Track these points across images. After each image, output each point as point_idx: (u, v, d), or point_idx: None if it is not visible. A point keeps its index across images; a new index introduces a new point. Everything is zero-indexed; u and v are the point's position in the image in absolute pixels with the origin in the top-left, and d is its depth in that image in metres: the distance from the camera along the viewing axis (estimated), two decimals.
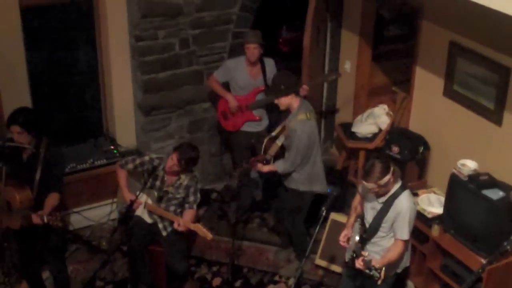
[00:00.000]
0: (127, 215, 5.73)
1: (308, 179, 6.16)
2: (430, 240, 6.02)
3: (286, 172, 6.14)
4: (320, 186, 6.28)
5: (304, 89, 6.64)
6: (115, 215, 7.03)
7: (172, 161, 5.79)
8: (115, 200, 6.88)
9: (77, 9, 6.88)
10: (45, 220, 5.31)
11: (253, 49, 6.67)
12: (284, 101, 6.01)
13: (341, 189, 6.85)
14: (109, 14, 6.81)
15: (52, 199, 5.47)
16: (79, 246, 6.79)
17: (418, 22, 6.61)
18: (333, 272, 6.45)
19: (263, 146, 6.27)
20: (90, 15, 6.91)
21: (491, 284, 5.48)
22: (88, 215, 6.99)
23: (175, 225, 5.81)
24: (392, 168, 4.98)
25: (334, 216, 6.59)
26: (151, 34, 6.81)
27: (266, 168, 6.21)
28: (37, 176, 5.50)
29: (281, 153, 6.16)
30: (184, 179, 5.92)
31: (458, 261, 5.77)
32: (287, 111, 6.12)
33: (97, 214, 7.05)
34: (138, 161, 5.98)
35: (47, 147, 5.58)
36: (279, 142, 6.13)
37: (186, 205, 5.98)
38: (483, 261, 5.48)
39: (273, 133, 6.31)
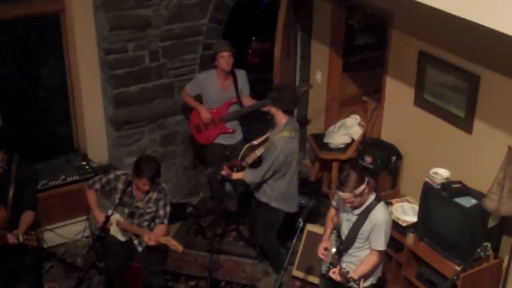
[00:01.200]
0: (101, 236, 5.80)
1: (281, 197, 6.29)
2: (405, 248, 6.18)
3: (252, 182, 6.25)
4: (291, 206, 6.42)
5: None
6: (88, 232, 7.09)
7: (144, 185, 5.84)
8: (88, 216, 6.94)
9: (44, 22, 6.92)
10: (21, 239, 5.36)
11: (228, 58, 6.81)
12: (271, 110, 6.14)
13: (316, 201, 7.01)
14: (76, 27, 6.89)
15: (27, 218, 5.53)
16: (54, 264, 6.82)
17: (388, 31, 6.78)
18: (311, 283, 6.59)
19: (242, 152, 6.38)
20: (57, 28, 6.97)
21: None
22: (61, 233, 7.05)
23: (145, 239, 5.91)
24: (367, 179, 5.14)
25: (310, 227, 6.76)
26: (120, 47, 6.90)
27: (234, 175, 6.29)
28: (10, 194, 5.56)
29: (258, 164, 6.28)
30: (153, 193, 6.02)
31: (433, 269, 5.93)
32: (272, 123, 6.26)
33: (71, 231, 7.12)
34: (104, 180, 6.08)
35: (18, 164, 5.63)
36: (258, 152, 6.24)
37: (157, 220, 6.08)
38: (458, 268, 5.65)
39: (255, 142, 6.42)
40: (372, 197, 5.26)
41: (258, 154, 6.25)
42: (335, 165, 7.48)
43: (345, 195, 5.12)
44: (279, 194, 6.27)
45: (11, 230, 5.45)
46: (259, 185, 6.31)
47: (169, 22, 7.05)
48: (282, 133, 6.08)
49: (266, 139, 6.32)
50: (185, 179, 7.82)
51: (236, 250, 7.21)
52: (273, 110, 6.12)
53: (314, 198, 7.13)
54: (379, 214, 5.23)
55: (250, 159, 6.29)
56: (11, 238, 5.42)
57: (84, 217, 7.11)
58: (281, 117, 6.12)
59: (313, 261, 6.28)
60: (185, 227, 7.51)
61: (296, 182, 6.39)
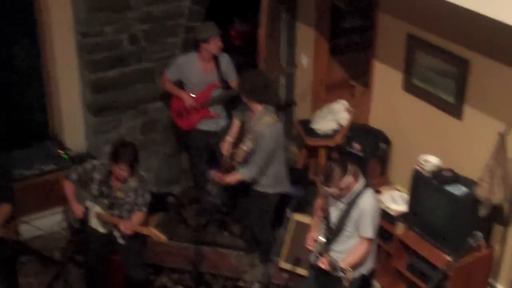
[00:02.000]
0: (81, 228, 5.76)
1: (275, 181, 6.28)
2: (394, 238, 6.19)
3: (253, 179, 6.20)
4: (285, 186, 6.43)
5: None
6: (66, 224, 7.03)
7: (121, 171, 5.77)
8: (66, 208, 6.87)
9: (17, 4, 6.82)
10: (0, 233, 5.30)
11: (218, 41, 6.77)
12: (244, 100, 6.11)
13: (303, 190, 6.98)
14: (52, 9, 6.79)
15: (4, 210, 5.47)
16: (31, 258, 6.74)
17: (375, 13, 6.73)
18: (298, 275, 6.54)
19: (230, 154, 6.31)
20: (31, 10, 6.86)
21: (458, 281, 5.70)
22: (38, 224, 6.96)
23: (122, 228, 5.83)
24: (350, 168, 5.16)
25: (297, 217, 6.70)
26: (98, 30, 6.81)
27: (230, 178, 6.23)
28: None
29: (248, 158, 6.21)
30: (132, 181, 5.95)
31: (424, 259, 5.93)
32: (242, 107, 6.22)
33: (48, 223, 7.05)
34: (81, 170, 6.01)
35: None
36: (244, 147, 6.14)
37: (135, 207, 6.00)
38: (449, 258, 5.66)
39: (230, 139, 6.39)
40: (360, 184, 5.30)
41: (245, 149, 6.14)
42: (322, 152, 7.43)
43: (332, 189, 5.16)
44: (273, 179, 6.26)
45: None
46: None
47: (149, 3, 6.95)
48: (264, 119, 6.05)
49: (242, 128, 6.24)
50: (167, 167, 7.77)
51: (220, 241, 7.16)
52: (245, 100, 6.07)
53: (301, 185, 7.09)
54: (367, 201, 5.28)
55: (239, 157, 6.19)
56: None
57: (61, 208, 7.04)
58: (256, 106, 6.08)
59: (301, 252, 6.24)
60: (167, 218, 7.43)
61: (284, 160, 6.38)
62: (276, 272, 6.66)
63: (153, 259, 6.80)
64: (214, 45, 6.79)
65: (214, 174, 6.30)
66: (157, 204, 7.04)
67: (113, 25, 6.86)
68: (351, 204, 5.28)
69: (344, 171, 5.11)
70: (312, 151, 7.66)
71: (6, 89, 7.05)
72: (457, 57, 5.89)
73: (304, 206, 6.95)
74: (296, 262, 6.57)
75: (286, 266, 6.66)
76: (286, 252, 6.67)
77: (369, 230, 5.29)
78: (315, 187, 7.37)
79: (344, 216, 5.31)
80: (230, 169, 6.29)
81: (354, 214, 5.27)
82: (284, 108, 8.17)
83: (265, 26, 7.22)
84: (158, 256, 6.87)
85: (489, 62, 5.61)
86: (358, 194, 5.26)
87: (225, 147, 6.41)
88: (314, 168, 7.76)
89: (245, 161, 6.20)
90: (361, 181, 5.30)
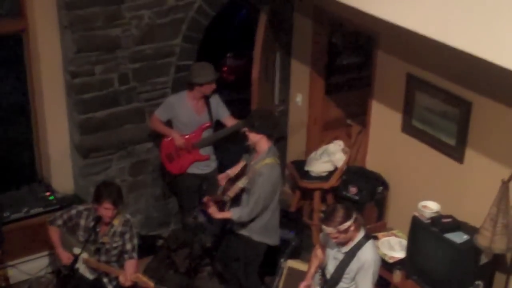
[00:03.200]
0: (69, 275, 5.73)
1: (264, 229, 6.21)
2: (392, 286, 6.18)
3: (241, 221, 6.14)
4: (273, 239, 6.35)
5: None
6: (51, 268, 6.94)
7: (108, 211, 5.77)
8: (51, 251, 6.80)
9: (5, 43, 6.82)
10: None
11: (214, 85, 6.81)
12: (253, 137, 6.06)
13: (297, 236, 6.94)
14: (40, 48, 6.78)
15: None
16: None
17: (374, 52, 6.77)
18: None
19: (223, 187, 6.31)
20: (19, 50, 6.86)
21: None
22: (24, 269, 6.89)
23: (121, 281, 5.81)
24: (354, 216, 5.13)
25: (290, 263, 6.63)
26: (87, 70, 6.80)
27: (219, 215, 6.20)
28: None
29: (240, 196, 6.21)
30: (118, 226, 5.95)
31: None
32: (250, 150, 6.22)
33: (34, 266, 6.96)
34: (66, 216, 6.01)
35: None
36: (240, 184, 6.14)
37: (125, 256, 5.99)
38: None
39: (230, 173, 6.39)
40: (361, 234, 5.25)
41: (241, 186, 6.14)
42: (317, 194, 7.44)
43: (329, 229, 5.12)
44: (261, 226, 6.20)
45: None
46: None
47: (140, 42, 6.96)
48: (266, 160, 6.03)
49: (244, 168, 6.24)
50: (155, 210, 7.73)
51: (211, 287, 7.11)
52: (256, 137, 6.05)
53: (295, 229, 7.05)
54: (368, 253, 5.22)
55: (232, 192, 6.19)
56: None
57: (47, 252, 6.95)
58: (264, 143, 6.06)
59: None
60: (156, 262, 7.36)
61: (278, 213, 6.33)
62: None
63: None
64: (209, 88, 6.81)
65: (207, 201, 6.23)
66: (145, 247, 7.03)
67: (103, 65, 6.85)
68: (350, 255, 5.23)
69: (348, 216, 5.08)
70: (306, 194, 7.67)
71: None
72: (459, 98, 5.91)
73: (297, 251, 6.91)
74: None
75: None
76: None
77: (367, 285, 5.22)
78: (308, 230, 7.42)
79: (342, 266, 5.26)
80: (219, 203, 6.24)
81: (353, 266, 5.22)
82: (276, 141, 8.13)
83: (259, 64, 7.20)
84: None
85: (492, 104, 5.64)
86: (358, 245, 5.21)
87: (223, 178, 6.41)
88: (308, 211, 7.75)
89: (236, 198, 6.19)
90: (362, 232, 5.26)
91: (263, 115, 6.15)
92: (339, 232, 5.10)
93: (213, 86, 6.83)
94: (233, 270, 6.63)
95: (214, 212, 6.20)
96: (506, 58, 4.34)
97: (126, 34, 6.85)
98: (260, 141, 6.06)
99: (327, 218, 5.11)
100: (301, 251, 6.93)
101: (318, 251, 5.64)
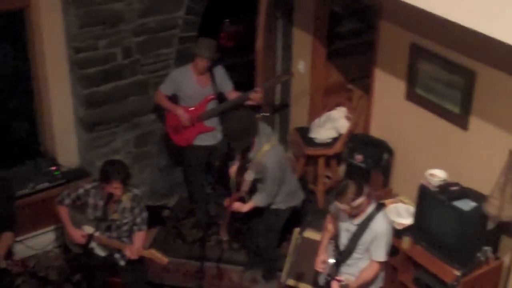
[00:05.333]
0: (84, 253, 5.94)
1: (287, 196, 6.50)
2: (400, 252, 6.33)
3: (268, 203, 6.41)
4: (298, 198, 6.67)
5: (259, 91, 6.99)
6: (57, 243, 7.19)
7: (117, 189, 5.96)
8: (58, 225, 7.03)
9: (7, 19, 6.91)
10: (4, 265, 5.41)
11: (205, 63, 6.95)
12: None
13: (312, 214, 7.16)
14: (43, 25, 6.88)
15: (6, 240, 5.58)
16: (25, 279, 6.86)
17: (377, 22, 6.83)
18: None
19: (235, 182, 6.49)
20: (22, 26, 6.96)
21: None
22: (31, 244, 7.11)
23: (128, 254, 6.04)
24: (367, 191, 5.32)
25: (305, 233, 6.78)
26: (90, 45, 6.94)
27: (245, 207, 6.42)
28: None
29: (253, 186, 6.39)
30: (126, 202, 6.13)
31: (431, 273, 6.08)
32: None
33: (41, 241, 7.20)
34: (74, 195, 6.17)
35: None
36: (248, 177, 6.29)
37: (135, 227, 6.21)
38: (457, 272, 5.86)
39: (232, 173, 6.58)
40: (372, 206, 5.44)
41: (250, 179, 6.29)
42: (321, 161, 7.60)
43: (342, 206, 5.30)
44: (285, 196, 6.49)
45: None
46: None
47: (143, 15, 7.09)
48: (262, 149, 6.23)
49: (245, 161, 6.43)
50: (161, 180, 7.92)
51: (220, 256, 7.25)
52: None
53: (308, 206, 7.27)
54: (380, 224, 5.41)
55: (245, 187, 6.35)
56: None
57: (54, 226, 7.19)
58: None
59: (306, 268, 6.43)
60: (163, 233, 7.59)
61: (294, 176, 6.65)
62: None
63: (152, 277, 6.93)
64: (200, 61, 6.95)
65: (228, 204, 6.46)
66: (152, 218, 7.13)
67: (106, 39, 6.98)
68: (362, 227, 5.42)
69: (359, 192, 5.25)
70: (310, 160, 7.82)
71: None
72: (463, 68, 6.00)
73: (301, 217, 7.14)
74: (300, 277, 6.70)
75: (290, 282, 6.78)
76: (289, 267, 6.78)
77: (382, 254, 5.46)
78: (314, 196, 7.64)
79: (355, 238, 5.46)
80: (239, 200, 6.47)
81: (367, 237, 5.42)
82: (280, 110, 8.32)
83: (263, 35, 7.33)
84: (157, 274, 7.02)
85: (496, 74, 5.73)
86: (371, 217, 5.40)
87: (233, 171, 6.59)
88: (313, 178, 7.94)
89: (251, 190, 6.40)
90: (374, 203, 5.45)
91: (242, 123, 6.18)
92: (352, 208, 5.30)
93: (205, 62, 6.95)
94: (256, 238, 6.85)
95: (240, 207, 6.42)
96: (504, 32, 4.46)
97: (129, 7, 6.97)
98: None
99: (340, 195, 5.27)
100: (305, 217, 7.12)
101: (329, 225, 5.82)
